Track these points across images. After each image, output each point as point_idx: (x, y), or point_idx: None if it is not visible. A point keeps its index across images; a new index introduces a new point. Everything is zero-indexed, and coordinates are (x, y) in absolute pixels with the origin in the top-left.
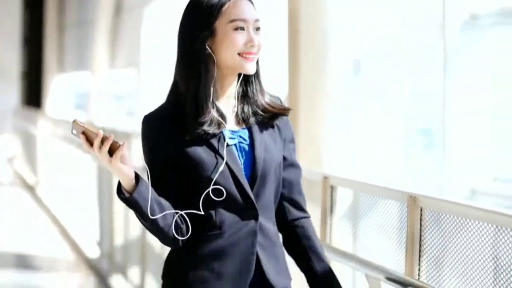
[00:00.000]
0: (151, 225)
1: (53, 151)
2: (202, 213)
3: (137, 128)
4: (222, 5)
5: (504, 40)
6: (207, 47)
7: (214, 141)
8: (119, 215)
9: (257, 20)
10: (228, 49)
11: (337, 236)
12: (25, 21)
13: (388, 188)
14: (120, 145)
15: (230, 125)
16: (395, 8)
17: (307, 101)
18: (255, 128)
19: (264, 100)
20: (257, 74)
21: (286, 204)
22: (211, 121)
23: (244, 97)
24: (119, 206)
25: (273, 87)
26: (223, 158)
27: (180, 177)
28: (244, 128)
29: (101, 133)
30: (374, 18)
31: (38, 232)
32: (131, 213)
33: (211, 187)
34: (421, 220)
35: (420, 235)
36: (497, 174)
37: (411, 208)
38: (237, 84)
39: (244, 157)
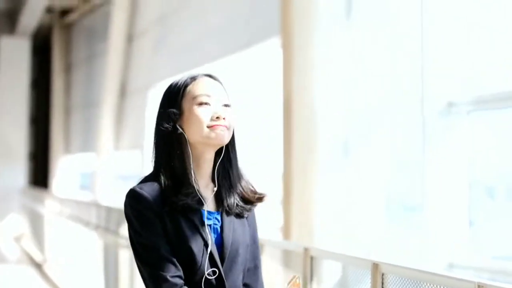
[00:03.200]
0: None
1: (60, 229)
2: None
3: None
4: (187, 85)
5: (478, 124)
6: (178, 126)
7: (195, 220)
8: None
9: (223, 96)
10: (195, 124)
11: None
12: (32, 102)
13: (354, 256)
14: None
15: (209, 206)
16: (378, 88)
17: (300, 181)
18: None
19: (241, 185)
20: (233, 162)
21: None
22: (193, 196)
23: (223, 180)
24: (124, 283)
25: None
26: (206, 243)
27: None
28: (218, 211)
29: None
30: (359, 101)
31: None
32: None
33: (207, 270)
34: (382, 285)
35: None
36: (474, 248)
37: (374, 274)
38: (215, 164)
39: (215, 237)
